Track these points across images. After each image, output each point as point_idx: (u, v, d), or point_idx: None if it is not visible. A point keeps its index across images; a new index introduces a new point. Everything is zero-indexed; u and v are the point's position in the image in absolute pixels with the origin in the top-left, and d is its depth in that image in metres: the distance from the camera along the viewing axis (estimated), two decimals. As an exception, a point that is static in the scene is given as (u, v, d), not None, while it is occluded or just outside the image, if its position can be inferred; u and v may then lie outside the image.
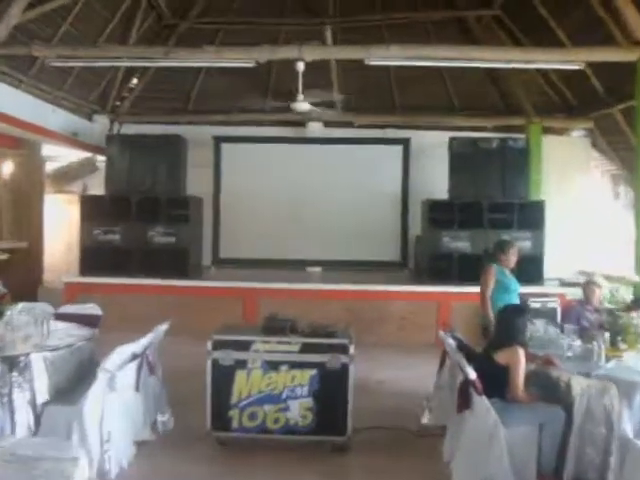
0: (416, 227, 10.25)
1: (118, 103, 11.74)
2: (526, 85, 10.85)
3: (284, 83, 10.30)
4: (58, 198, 12.10)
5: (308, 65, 7.16)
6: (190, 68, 11.41)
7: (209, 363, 4.49)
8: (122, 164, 9.50)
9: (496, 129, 11.22)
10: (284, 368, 4.40)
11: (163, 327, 5.06)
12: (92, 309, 5.94)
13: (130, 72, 11.40)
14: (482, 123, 11.32)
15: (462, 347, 4.74)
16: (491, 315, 5.40)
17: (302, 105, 8.16)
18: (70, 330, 5.02)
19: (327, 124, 11.09)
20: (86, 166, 12.20)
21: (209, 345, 4.50)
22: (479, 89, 11.42)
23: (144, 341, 4.55)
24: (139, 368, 4.48)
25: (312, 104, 8.33)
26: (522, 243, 8.74)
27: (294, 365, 4.40)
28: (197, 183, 10.13)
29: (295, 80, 8.08)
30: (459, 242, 9.03)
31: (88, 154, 11.55)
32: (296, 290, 8.84)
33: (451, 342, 4.71)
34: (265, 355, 4.42)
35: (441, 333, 5.09)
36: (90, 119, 11.32)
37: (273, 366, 4.41)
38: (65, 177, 12.50)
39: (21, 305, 4.93)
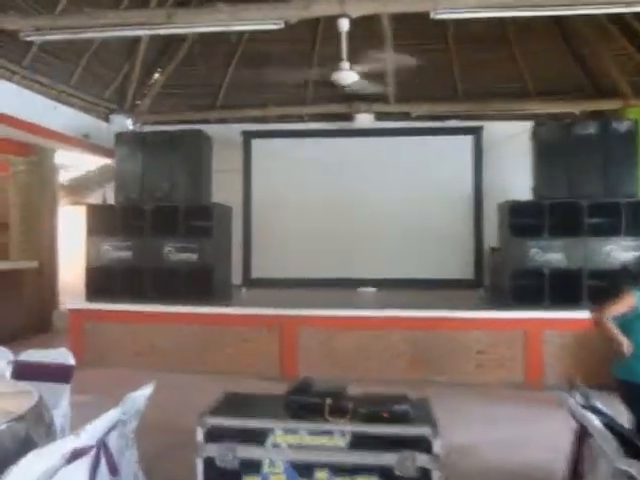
0: (492, 236, 8.34)
1: (139, 102, 10.25)
2: (620, 63, 8.90)
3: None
4: (74, 211, 10.67)
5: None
6: (218, 59, 9.92)
7: (199, 465, 2.74)
8: (134, 167, 7.94)
9: (584, 116, 9.27)
10: (323, 476, 2.61)
11: (143, 392, 3.35)
12: (62, 356, 4.32)
13: (150, 65, 9.94)
14: (566, 109, 9.36)
15: (611, 426, 2.88)
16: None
17: (347, 75, 6.36)
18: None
19: (379, 116, 9.33)
20: (105, 174, 10.71)
21: (199, 434, 2.77)
22: (561, 69, 9.49)
23: (101, 424, 2.84)
24: (93, 469, 2.79)
25: (360, 76, 6.53)
26: (631, 254, 6.85)
27: (340, 470, 2.62)
28: (224, 189, 8.49)
29: (338, 55, 6.40)
30: (550, 254, 7.08)
31: (107, 160, 10.08)
32: (345, 318, 7.08)
33: (593, 420, 2.86)
34: (291, 453, 2.65)
35: (559, 393, 3.28)
36: (106, 119, 9.86)
37: (305, 472, 2.64)
38: (82, 187, 11.12)
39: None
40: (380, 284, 8.48)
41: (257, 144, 8.61)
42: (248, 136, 8.67)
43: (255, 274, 8.45)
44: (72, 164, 10.74)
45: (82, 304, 7.82)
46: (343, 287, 8.41)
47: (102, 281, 7.74)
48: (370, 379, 6.49)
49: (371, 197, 8.62)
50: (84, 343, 7.64)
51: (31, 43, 7.23)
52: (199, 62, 10.04)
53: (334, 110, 9.49)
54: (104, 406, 2.76)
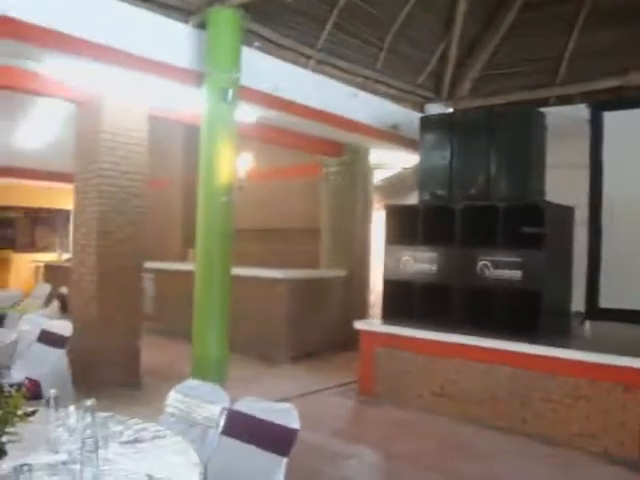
0: None
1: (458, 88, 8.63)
2: None
3: None
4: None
5: None
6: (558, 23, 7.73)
7: None
8: (442, 157, 6.27)
9: None
10: None
11: None
12: (287, 415, 2.93)
13: (470, 41, 8.23)
14: None
15: None
16: None
17: None
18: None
19: None
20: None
21: None
22: None
23: None
24: None
25: None
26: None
27: None
28: (561, 189, 6.16)
29: None
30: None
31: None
32: None
33: None
34: None
35: None
36: (421, 109, 8.47)
37: None
38: (398, 188, 9.91)
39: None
40: None
41: (612, 120, 5.98)
42: (598, 109, 6.07)
43: (605, 302, 5.80)
44: (387, 162, 9.65)
45: (374, 325, 6.46)
46: None
47: (400, 299, 6.27)
48: None
49: None
50: (375, 373, 6.29)
51: (324, 21, 6.20)
52: (532, 29, 7.99)
53: None
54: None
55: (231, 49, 5.21)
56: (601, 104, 6.17)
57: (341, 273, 8.99)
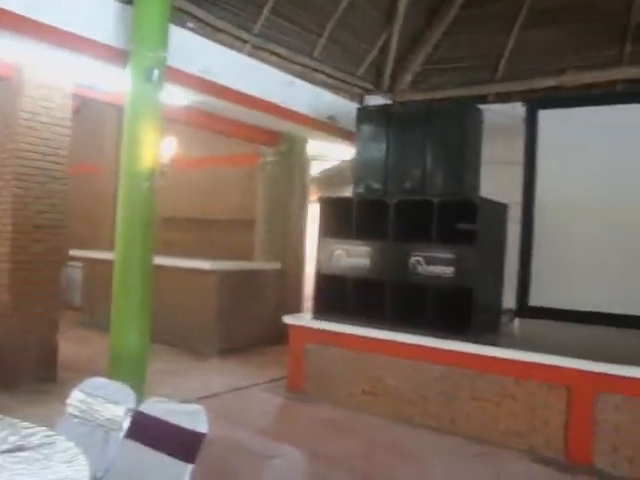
0: None
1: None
2: None
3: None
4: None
5: None
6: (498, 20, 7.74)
7: None
8: (378, 150, 6.13)
9: None
10: None
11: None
12: (194, 418, 2.68)
13: (412, 33, 8.13)
14: None
15: None
16: None
17: None
18: None
19: None
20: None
21: None
22: None
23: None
24: None
25: None
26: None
27: None
28: (495, 186, 6.10)
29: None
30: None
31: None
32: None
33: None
34: None
35: None
36: (360, 101, 8.32)
37: None
38: (335, 181, 9.76)
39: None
40: None
41: (546, 118, 5.95)
42: (533, 108, 6.03)
43: (535, 301, 5.77)
44: (325, 154, 9.48)
45: (304, 320, 6.29)
46: None
47: (332, 294, 6.11)
48: None
49: None
50: (304, 370, 6.12)
51: (261, 5, 5.96)
52: (473, 26, 7.96)
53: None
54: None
55: (158, 26, 4.90)
56: (536, 102, 6.15)
57: (275, 266, 8.79)
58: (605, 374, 4.61)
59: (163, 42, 4.92)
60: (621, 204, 5.58)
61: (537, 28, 7.77)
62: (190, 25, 5.90)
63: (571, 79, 7.19)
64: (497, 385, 5.07)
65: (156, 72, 4.79)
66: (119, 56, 5.19)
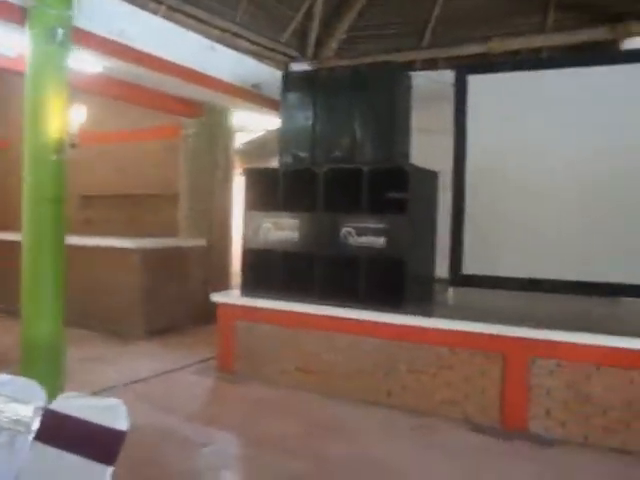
0: None
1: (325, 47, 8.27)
2: None
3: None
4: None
5: None
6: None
7: None
8: (304, 117, 5.87)
9: None
10: None
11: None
12: (112, 413, 2.38)
13: (334, 0, 7.87)
14: None
15: None
16: None
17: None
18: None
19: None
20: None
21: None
22: None
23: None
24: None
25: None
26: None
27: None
28: (426, 154, 5.97)
29: None
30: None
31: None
32: (610, 349, 4.41)
33: None
34: None
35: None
36: (285, 69, 8.01)
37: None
38: (261, 151, 9.45)
39: None
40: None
41: (476, 84, 5.80)
42: (462, 72, 5.87)
43: (468, 269, 5.69)
44: (250, 125, 9.14)
45: (232, 297, 6.04)
46: (600, 295, 5.46)
47: (261, 269, 5.87)
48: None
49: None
50: (235, 348, 5.89)
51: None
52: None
53: (588, 37, 6.64)
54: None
55: (61, -18, 4.44)
56: (466, 67, 6.03)
57: (201, 242, 8.46)
58: (538, 339, 4.61)
59: (67, -1, 4.46)
60: (552, 170, 5.56)
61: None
62: (98, -18, 5.43)
63: (497, 46, 7.14)
64: (433, 356, 5.00)
65: (60, 32, 4.35)
66: (17, 14, 4.68)
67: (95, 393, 5.16)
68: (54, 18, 4.39)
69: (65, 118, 4.56)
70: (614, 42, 6.47)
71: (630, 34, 6.29)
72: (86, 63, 5.93)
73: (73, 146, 5.18)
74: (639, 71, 5.35)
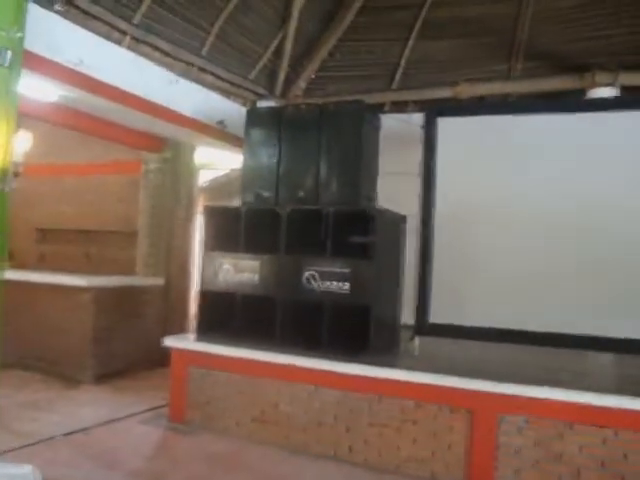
0: None
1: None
2: None
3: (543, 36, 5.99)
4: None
5: None
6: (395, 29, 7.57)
7: None
8: (268, 155, 5.67)
9: None
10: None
11: None
12: None
13: (308, 38, 7.79)
14: None
15: None
16: None
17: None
18: None
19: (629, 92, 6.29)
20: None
21: None
22: None
23: None
24: None
25: None
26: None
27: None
28: (394, 195, 5.80)
29: None
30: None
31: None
32: (584, 408, 4.18)
33: None
34: None
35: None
36: (252, 106, 7.85)
37: None
38: (225, 190, 9.20)
39: None
40: (632, 347, 5.25)
41: (445, 127, 5.66)
42: (431, 115, 5.70)
43: (435, 318, 5.41)
44: (215, 162, 8.92)
45: (186, 342, 5.70)
46: (573, 348, 5.23)
47: (219, 313, 5.55)
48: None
49: (626, 214, 5.24)
50: (188, 397, 5.52)
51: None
52: (369, 34, 7.75)
53: (556, 86, 6.64)
54: None
55: (12, 3, 4.20)
56: (436, 109, 5.91)
57: (159, 281, 8.11)
58: (507, 395, 4.37)
59: (17, 20, 4.21)
60: (520, 217, 5.41)
61: (432, 39, 7.68)
62: (58, 7, 5.20)
63: (464, 90, 7.11)
64: (397, 409, 4.71)
65: (9, 53, 4.08)
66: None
67: (30, 445, 4.76)
68: (3, 39, 4.13)
69: (9, 146, 4.26)
70: (581, 91, 6.48)
71: (596, 84, 6.30)
72: (40, 90, 5.66)
73: (16, 175, 4.86)
74: (605, 119, 5.30)
